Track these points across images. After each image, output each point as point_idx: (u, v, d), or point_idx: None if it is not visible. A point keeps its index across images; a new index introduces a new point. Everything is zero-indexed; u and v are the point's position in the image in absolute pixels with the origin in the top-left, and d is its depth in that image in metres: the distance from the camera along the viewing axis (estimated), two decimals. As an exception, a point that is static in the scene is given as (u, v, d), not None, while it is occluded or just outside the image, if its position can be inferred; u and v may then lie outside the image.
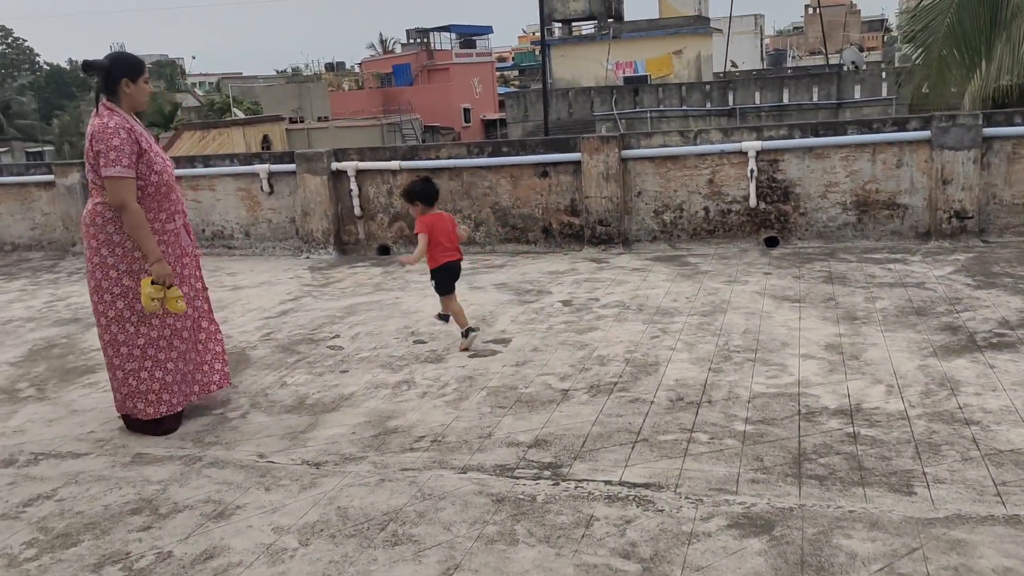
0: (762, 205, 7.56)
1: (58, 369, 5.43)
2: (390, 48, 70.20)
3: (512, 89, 56.02)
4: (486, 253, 8.23)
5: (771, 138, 7.45)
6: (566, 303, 6.19)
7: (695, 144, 7.63)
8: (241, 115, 43.45)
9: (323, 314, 6.35)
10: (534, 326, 5.67)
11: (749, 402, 4.11)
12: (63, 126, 53.00)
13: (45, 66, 70.74)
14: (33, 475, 3.86)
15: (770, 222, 7.59)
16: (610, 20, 38.45)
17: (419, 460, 3.73)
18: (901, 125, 7.20)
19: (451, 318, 5.41)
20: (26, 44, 70.55)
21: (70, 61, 71.98)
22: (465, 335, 5.29)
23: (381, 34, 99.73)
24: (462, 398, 4.46)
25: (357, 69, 70.16)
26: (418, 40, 59.92)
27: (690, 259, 7.37)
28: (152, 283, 4.03)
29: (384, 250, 8.62)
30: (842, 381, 4.30)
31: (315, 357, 5.34)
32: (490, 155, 8.21)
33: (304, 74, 70.58)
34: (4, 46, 70.10)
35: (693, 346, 5.02)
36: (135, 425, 4.29)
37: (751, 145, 7.39)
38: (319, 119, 44.80)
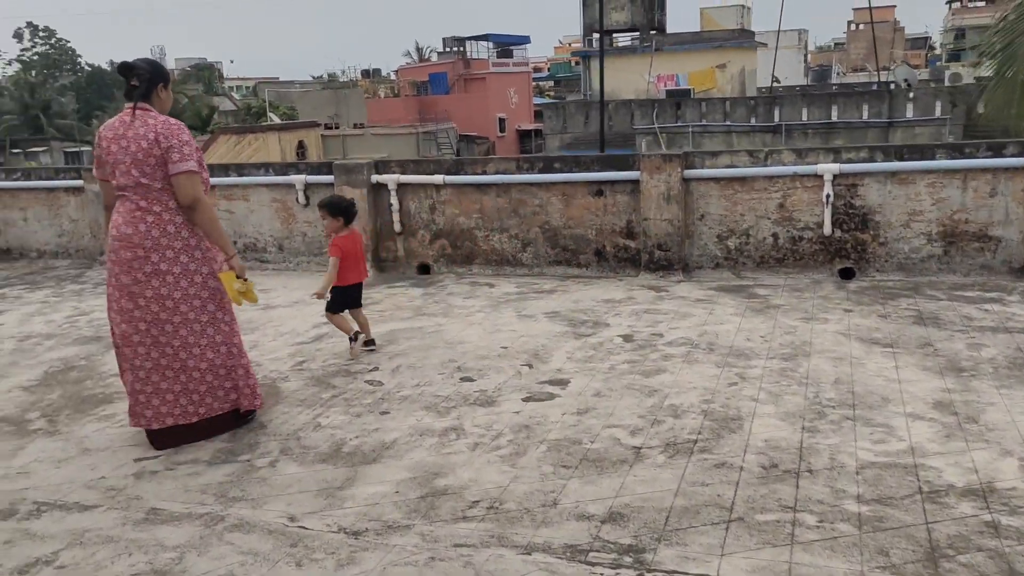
0: (837, 233, 6.95)
1: (73, 397, 4.97)
2: (426, 56, 70.13)
3: (548, 100, 55.61)
4: (534, 276, 7.70)
5: (850, 160, 6.85)
6: (627, 338, 5.63)
7: (765, 165, 7.05)
8: (277, 120, 43.43)
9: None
10: (593, 365, 5.12)
11: (858, 474, 3.52)
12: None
13: (86, 67, 71.54)
14: (34, 532, 3.38)
15: (846, 251, 6.98)
16: (652, 32, 37.86)
17: (474, 533, 3.20)
18: (996, 151, 6.57)
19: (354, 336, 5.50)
20: (68, 45, 71.37)
21: (110, 63, 72.70)
22: (354, 339, 5.49)
23: (417, 42, 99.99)
24: (519, 452, 3.92)
25: (393, 77, 70.18)
26: (454, 49, 59.72)
27: (758, 290, 6.78)
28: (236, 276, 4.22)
29: (424, 269, 8.12)
30: (964, 450, 3.71)
31: (352, 393, 4.83)
32: (541, 171, 7.69)
33: (340, 80, 70.72)
34: (47, 46, 70.98)
35: (779, 397, 4.44)
36: (221, 422, 4.26)
37: (828, 168, 6.80)
38: (355, 126, 44.64)
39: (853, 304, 6.23)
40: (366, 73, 75.67)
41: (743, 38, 37.85)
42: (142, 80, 4.08)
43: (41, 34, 69.84)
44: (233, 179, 8.56)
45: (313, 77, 77.88)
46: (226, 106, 55.51)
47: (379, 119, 49.03)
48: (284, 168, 8.55)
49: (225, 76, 74.98)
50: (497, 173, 7.79)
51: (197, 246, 4.11)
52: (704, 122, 29.25)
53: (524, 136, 51.81)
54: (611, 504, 3.37)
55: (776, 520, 3.18)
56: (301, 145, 36.47)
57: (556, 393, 4.68)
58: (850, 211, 6.91)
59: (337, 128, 42.43)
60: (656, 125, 28.84)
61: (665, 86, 35.60)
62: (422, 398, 4.70)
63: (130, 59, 4.18)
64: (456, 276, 7.86)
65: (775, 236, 7.14)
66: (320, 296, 5.43)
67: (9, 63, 68.91)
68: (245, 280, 4.26)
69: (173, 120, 4.06)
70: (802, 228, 7.06)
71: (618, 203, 7.49)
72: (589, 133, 29.27)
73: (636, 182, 7.34)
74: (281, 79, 73.01)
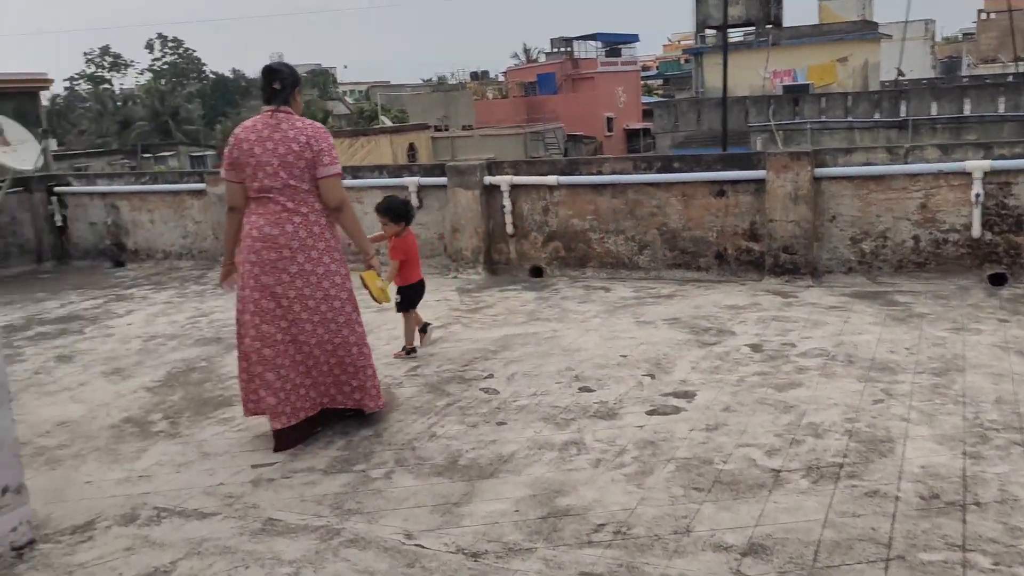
0: (987, 235, 6.38)
1: (194, 399, 5.01)
2: (534, 57, 70.18)
3: (656, 99, 54.70)
4: (651, 280, 7.40)
5: (1002, 157, 6.28)
6: (755, 348, 5.28)
7: (906, 162, 6.54)
8: (388, 123, 44.27)
9: (474, 347, 5.71)
10: (721, 376, 4.81)
11: (1035, 510, 3.12)
12: (225, 132, 55.69)
13: (211, 75, 74.84)
14: (153, 539, 3.35)
15: (996, 256, 6.40)
16: (768, 26, 36.63)
17: (601, 560, 2.98)
18: None
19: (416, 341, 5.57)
20: (195, 54, 74.86)
21: (233, 71, 75.85)
22: (422, 332, 5.68)
23: (525, 44, 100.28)
24: (645, 471, 3.67)
25: (501, 78, 70.57)
26: (562, 49, 59.51)
27: (897, 297, 6.29)
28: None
29: (537, 272, 7.94)
30: None
31: (467, 401, 4.68)
32: (659, 171, 7.39)
33: (449, 83, 71.63)
34: (176, 56, 74.64)
35: (932, 417, 4.03)
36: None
37: (977, 165, 6.24)
38: (463, 127, 45.04)
39: (1009, 313, 5.68)
40: (474, 75, 76.41)
41: (865, 30, 36.13)
42: (284, 84, 4.12)
43: (170, 44, 73.52)
44: (348, 181, 8.59)
45: (423, 80, 79.21)
46: (339, 110, 57.04)
47: (487, 120, 49.33)
48: (397, 170, 8.53)
49: (339, 81, 77.07)
50: (613, 173, 7.53)
51: (337, 247, 4.18)
52: (823, 118, 28.07)
53: (632, 135, 51.14)
54: (751, 534, 3.08)
55: (943, 560, 2.83)
56: (411, 147, 37.02)
57: (682, 406, 4.40)
58: (1002, 212, 6.33)
59: (446, 130, 42.91)
60: (772, 122, 27.84)
61: (782, 82, 34.36)
62: (539, 408, 4.50)
63: (274, 63, 4.23)
64: (570, 279, 7.64)
65: (916, 239, 6.61)
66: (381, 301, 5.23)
67: (142, 72, 72.85)
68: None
69: (318, 124, 4.13)
70: (947, 230, 6.51)
71: (741, 204, 7.12)
72: (701, 131, 28.54)
73: (761, 182, 6.95)
74: (392, 83, 74.50)
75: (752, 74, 32.50)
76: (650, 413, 4.34)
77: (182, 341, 6.30)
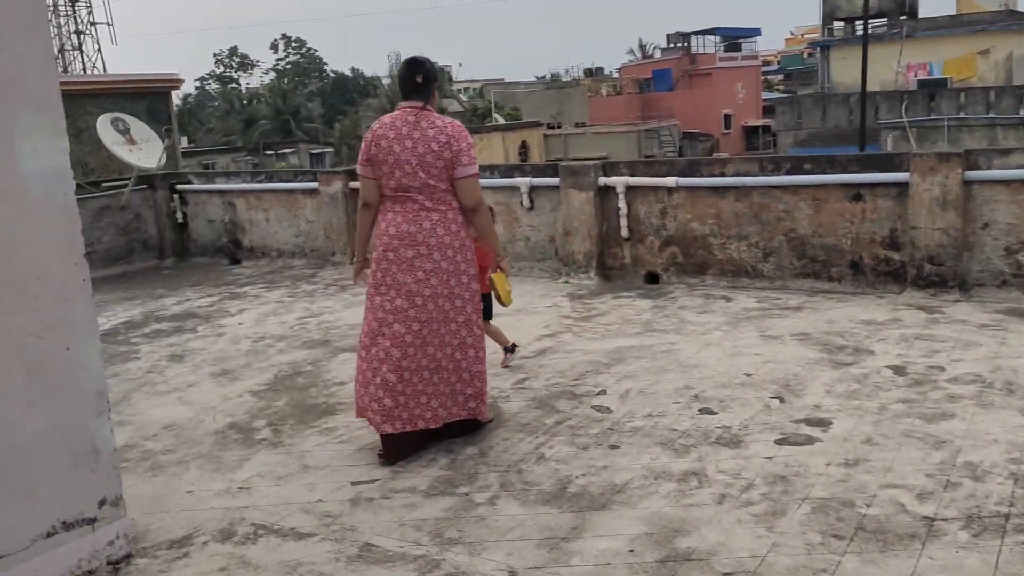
0: None
1: (299, 405, 4.90)
2: (649, 53, 69.05)
3: (777, 95, 52.83)
4: (776, 290, 6.92)
5: None
6: (898, 370, 4.78)
7: (1073, 165, 5.85)
8: (502, 120, 44.37)
9: (585, 358, 5.40)
10: (859, 402, 4.35)
11: None
12: (343, 130, 57.18)
13: (331, 74, 77.03)
14: (249, 559, 3.21)
15: None
16: (902, 17, 34.66)
17: (728, 619, 2.63)
18: None
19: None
20: (316, 53, 77.23)
21: (353, 69, 77.82)
22: (511, 350, 5.28)
23: (640, 39, 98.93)
24: (776, 511, 3.29)
25: (615, 74, 69.76)
26: (679, 44, 58.26)
27: (1061, 316, 5.62)
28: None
29: (652, 278, 7.56)
30: None
31: (578, 420, 4.38)
32: (788, 172, 6.89)
33: (563, 80, 71.35)
34: (299, 56, 77.16)
35: (1118, 464, 3.48)
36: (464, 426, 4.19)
37: None
38: (576, 125, 44.68)
39: None
40: (588, 72, 75.82)
41: (1010, 20, 33.65)
42: (427, 78, 3.98)
43: (293, 44, 76.11)
44: (459, 181, 8.44)
45: (537, 77, 79.16)
46: (454, 108, 57.56)
47: (600, 118, 48.76)
48: (509, 170, 8.31)
49: (454, 79, 78.01)
50: (737, 175, 7.07)
51: (470, 246, 4.09)
52: (962, 114, 26.31)
53: (751, 133, 49.56)
54: (904, 598, 2.67)
55: None
56: (524, 145, 36.95)
57: (816, 436, 3.98)
58: None
59: (559, 127, 42.66)
60: (905, 119, 26.29)
61: (916, 76, 32.46)
62: (656, 431, 4.16)
63: (418, 56, 4.04)
64: (687, 287, 7.23)
65: (1083, 250, 5.91)
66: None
67: (266, 72, 75.70)
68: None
69: (457, 122, 4.00)
70: (1121, 241, 5.78)
71: (879, 209, 6.54)
72: (826, 129, 27.25)
73: (903, 185, 6.36)
74: (506, 80, 74.80)
75: (884, 68, 30.76)
76: (780, 442, 3.94)
77: (290, 343, 6.25)
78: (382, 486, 3.77)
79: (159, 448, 4.38)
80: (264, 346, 6.21)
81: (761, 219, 7.01)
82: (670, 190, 7.35)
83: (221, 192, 9.91)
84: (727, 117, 50.47)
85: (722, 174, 7.15)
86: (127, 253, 9.99)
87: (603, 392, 4.77)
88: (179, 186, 10.07)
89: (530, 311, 6.72)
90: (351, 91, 71.62)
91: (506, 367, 5.24)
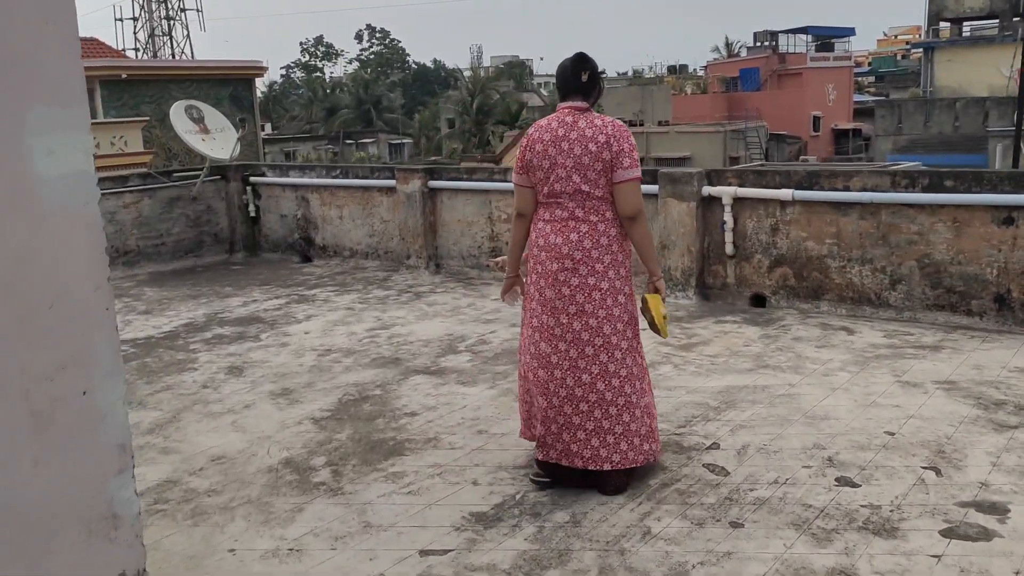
0: None
1: (363, 440, 4.32)
2: (735, 52, 67.23)
3: (868, 97, 50.66)
4: (904, 322, 6.07)
5: None
6: (1080, 441, 3.94)
7: None
8: (582, 116, 43.40)
9: (690, 399, 4.69)
10: (1039, 483, 3.54)
11: None
12: (423, 121, 57.23)
13: (413, 65, 77.24)
14: (291, 656, 2.62)
15: None
16: (1016, 19, 32.59)
17: None
18: None
19: None
20: (399, 44, 77.58)
21: (434, 61, 77.97)
22: None
23: (727, 37, 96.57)
24: (961, 642, 2.54)
25: (700, 72, 68.13)
26: (766, 43, 56.42)
27: None
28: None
29: (759, 300, 6.78)
30: None
31: (688, 482, 3.69)
32: (925, 189, 6.03)
33: (646, 76, 70.01)
34: (382, 46, 77.61)
35: None
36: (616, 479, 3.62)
37: None
38: (660, 123, 43.54)
39: None
40: (672, 69, 74.31)
41: None
42: (593, 77, 3.66)
43: (377, 35, 76.59)
44: (546, 185, 7.78)
45: (619, 73, 78.01)
46: (534, 102, 56.99)
47: (684, 116, 47.44)
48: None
49: (534, 72, 77.34)
50: (864, 190, 6.23)
51: (625, 263, 3.66)
52: (1080, 124, 24.37)
53: (840, 136, 47.62)
54: None
55: None
56: (604, 142, 35.99)
57: (992, 528, 3.20)
58: None
59: (642, 125, 41.59)
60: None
61: (1028, 81, 30.41)
62: (786, 506, 3.44)
63: (584, 53, 3.67)
64: (800, 313, 6.44)
65: None
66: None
67: (350, 62, 76.38)
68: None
69: (619, 121, 3.63)
70: None
71: (1035, 235, 5.64)
72: (929, 135, 25.65)
73: (1067, 209, 5.45)
74: (587, 76, 73.68)
75: (992, 72, 28.95)
76: (946, 534, 3.18)
77: (358, 359, 5.69)
78: (456, 560, 3.14)
79: (204, 487, 3.84)
80: (330, 362, 5.66)
81: (889, 241, 6.16)
82: (783, 204, 6.55)
83: (295, 186, 9.46)
84: (816, 119, 48.56)
85: (846, 188, 6.32)
86: (197, 246, 9.64)
87: (715, 446, 4.05)
88: (252, 178, 9.67)
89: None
90: (432, 82, 71.67)
91: None
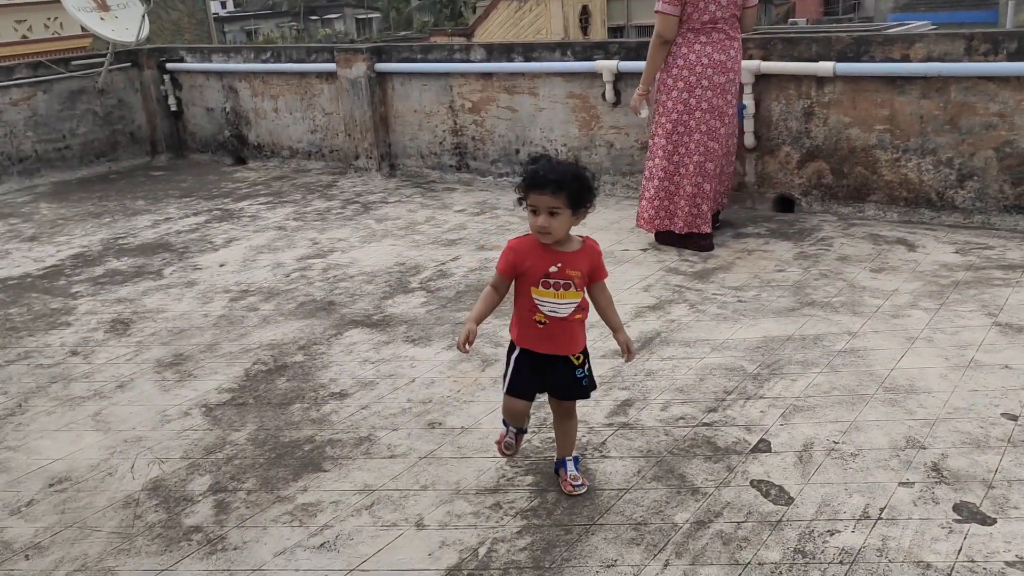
0: None
1: (268, 443, 3.08)
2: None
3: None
4: (976, 228, 4.81)
5: None
6: None
7: None
8: (560, -17, 40.57)
9: (718, 361, 3.46)
10: None
11: None
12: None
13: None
14: None
15: None
16: None
17: None
18: None
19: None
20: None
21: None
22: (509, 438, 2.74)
23: None
24: None
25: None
26: None
27: None
28: None
29: (785, 204, 5.48)
30: None
31: (730, 515, 2.49)
32: (1010, 57, 4.64)
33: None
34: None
35: None
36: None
37: None
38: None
39: None
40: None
41: None
42: None
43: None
44: (518, 65, 6.30)
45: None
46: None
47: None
48: (587, 50, 6.12)
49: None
50: (928, 60, 4.83)
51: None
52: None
53: (834, -3, 44.94)
54: None
55: None
56: (584, 11, 33.56)
57: None
58: None
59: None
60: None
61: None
62: (892, 565, 2.25)
63: None
64: (839, 220, 5.16)
65: None
66: None
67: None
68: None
69: None
70: None
71: None
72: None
73: None
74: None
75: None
76: None
77: (280, 304, 4.40)
78: None
79: (24, 540, 2.61)
80: (243, 309, 4.37)
81: (960, 125, 4.82)
82: (821, 81, 5.15)
83: (220, 73, 7.89)
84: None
85: (905, 58, 4.91)
86: (111, 148, 8.13)
87: (764, 446, 2.84)
88: (169, 64, 8.07)
89: (619, 258, 4.73)
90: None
91: (505, 453, 2.75)
